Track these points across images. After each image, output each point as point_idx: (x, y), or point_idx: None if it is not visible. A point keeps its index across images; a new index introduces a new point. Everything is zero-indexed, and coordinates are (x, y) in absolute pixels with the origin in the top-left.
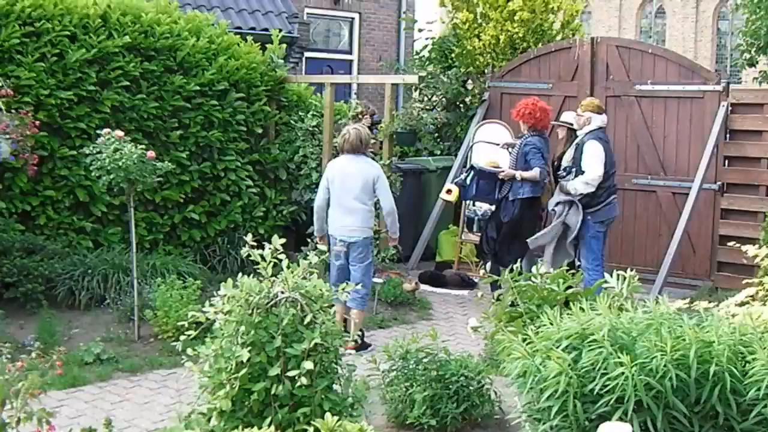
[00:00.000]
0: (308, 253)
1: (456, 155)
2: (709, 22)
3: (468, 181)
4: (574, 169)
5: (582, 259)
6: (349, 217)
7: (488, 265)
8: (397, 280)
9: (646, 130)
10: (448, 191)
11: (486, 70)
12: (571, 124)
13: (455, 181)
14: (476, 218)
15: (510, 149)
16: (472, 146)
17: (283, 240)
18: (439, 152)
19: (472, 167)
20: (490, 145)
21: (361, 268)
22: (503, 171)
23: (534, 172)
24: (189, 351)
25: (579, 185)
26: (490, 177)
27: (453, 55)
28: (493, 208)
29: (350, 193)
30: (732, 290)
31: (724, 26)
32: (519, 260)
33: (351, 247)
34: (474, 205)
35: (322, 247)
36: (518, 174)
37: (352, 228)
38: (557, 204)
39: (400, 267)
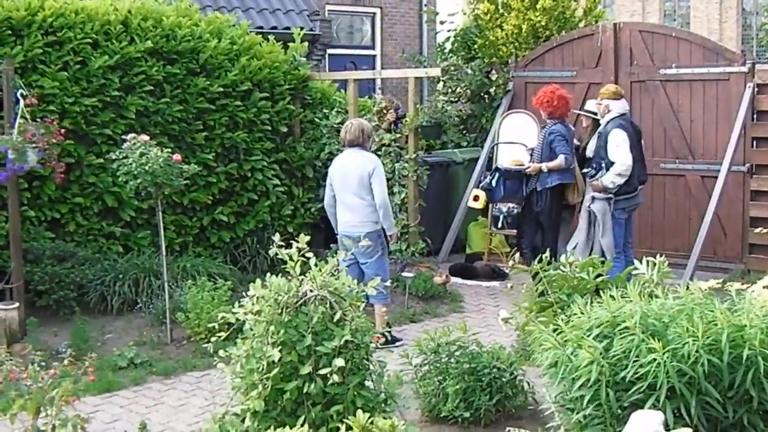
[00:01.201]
0: (337, 250)
1: (482, 146)
2: (733, 2)
3: (494, 184)
4: (603, 163)
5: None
6: (350, 213)
7: (517, 256)
8: (427, 273)
9: (673, 115)
10: (475, 198)
11: (509, 60)
12: (595, 113)
13: (481, 185)
14: (501, 216)
15: (535, 152)
16: (494, 146)
17: (308, 238)
18: (465, 144)
19: (497, 169)
20: (510, 145)
21: (372, 263)
22: (528, 167)
23: (559, 160)
24: (221, 352)
25: (613, 177)
26: (516, 175)
27: (476, 46)
28: (518, 206)
29: (349, 189)
30: (765, 272)
31: (749, 5)
32: (550, 249)
33: (356, 243)
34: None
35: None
36: (544, 166)
37: (354, 224)
38: (593, 202)
39: (430, 260)
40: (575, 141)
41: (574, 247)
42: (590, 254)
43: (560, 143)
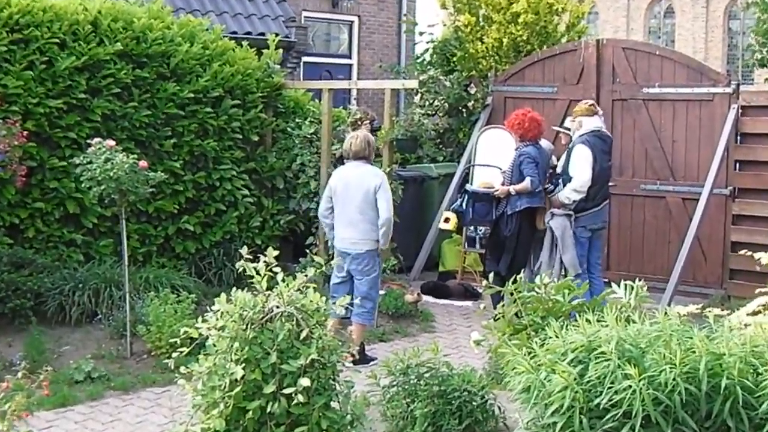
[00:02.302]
0: (306, 265)
1: (459, 161)
2: (719, 21)
3: (464, 206)
4: (561, 180)
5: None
6: (350, 229)
7: (491, 276)
8: (398, 291)
9: (655, 134)
10: (446, 219)
11: (489, 74)
12: (569, 130)
13: (452, 207)
14: (477, 237)
15: (506, 174)
16: (469, 168)
17: (277, 252)
18: (441, 159)
19: (466, 191)
20: (484, 168)
21: (367, 281)
22: (496, 189)
23: (525, 183)
24: (182, 368)
25: (569, 193)
26: (486, 198)
27: (455, 58)
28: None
29: (351, 203)
30: (745, 299)
31: (735, 25)
32: (521, 271)
33: (354, 260)
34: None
35: (318, 259)
36: (512, 189)
37: (354, 241)
38: (552, 218)
39: (401, 278)
40: (554, 160)
41: (539, 266)
42: (562, 273)
43: (528, 165)
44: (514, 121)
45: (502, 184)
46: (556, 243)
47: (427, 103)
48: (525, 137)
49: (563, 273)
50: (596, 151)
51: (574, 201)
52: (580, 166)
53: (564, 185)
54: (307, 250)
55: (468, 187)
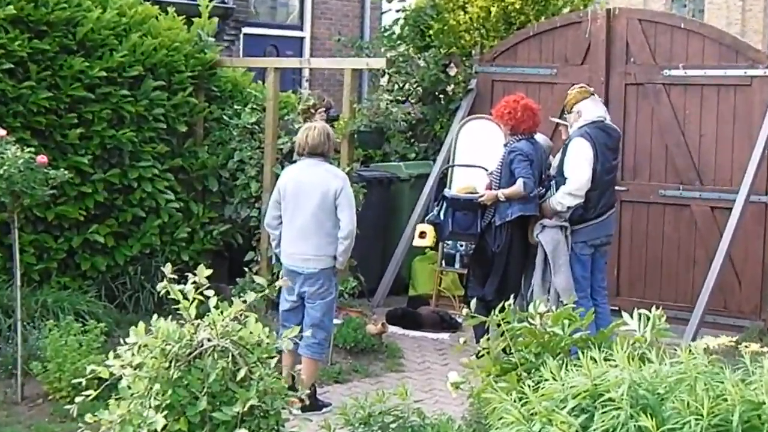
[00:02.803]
0: (244, 287)
1: (434, 160)
2: None
3: (442, 216)
4: (554, 181)
5: None
6: (302, 242)
7: (473, 303)
8: (358, 320)
9: (677, 127)
10: (422, 234)
11: (473, 51)
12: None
13: (428, 218)
14: (458, 253)
15: (493, 176)
16: (448, 169)
17: (209, 272)
18: (413, 156)
19: (443, 197)
20: (466, 168)
21: (320, 306)
22: (481, 195)
23: (517, 186)
24: (88, 416)
25: (563, 197)
26: (468, 206)
27: (431, 31)
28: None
29: (304, 210)
30: None
31: None
32: (512, 297)
33: (306, 281)
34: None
35: (260, 279)
36: (500, 194)
37: (306, 257)
38: (542, 230)
39: (362, 303)
40: (551, 159)
41: (531, 292)
42: (561, 300)
43: (520, 164)
44: (503, 109)
45: (489, 188)
46: (548, 262)
47: (396, 86)
48: (516, 130)
49: (561, 299)
50: (598, 147)
51: (568, 208)
52: (577, 165)
53: (556, 189)
54: (247, 269)
55: (446, 192)
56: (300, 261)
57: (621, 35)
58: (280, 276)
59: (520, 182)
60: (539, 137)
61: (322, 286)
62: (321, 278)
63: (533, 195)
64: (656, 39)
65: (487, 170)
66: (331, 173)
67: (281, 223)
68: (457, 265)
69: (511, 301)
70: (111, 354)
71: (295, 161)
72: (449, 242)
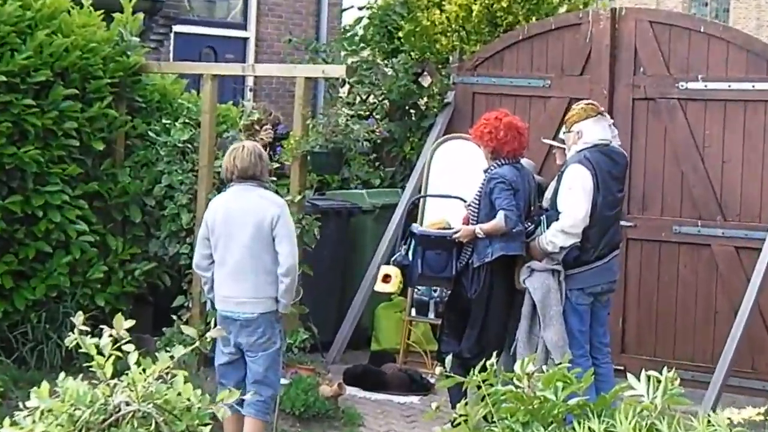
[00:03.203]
0: (172, 339)
1: (403, 188)
2: None
3: (410, 256)
4: (545, 216)
5: None
6: (237, 282)
7: (448, 360)
8: (310, 379)
9: (696, 151)
10: (385, 278)
11: (450, 58)
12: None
13: (394, 259)
14: (431, 300)
15: (471, 208)
16: (419, 200)
17: (131, 322)
18: (378, 183)
19: (411, 234)
20: (441, 199)
21: (263, 358)
22: (456, 230)
23: (497, 220)
24: None
25: (554, 236)
26: (441, 244)
27: (401, 33)
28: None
29: (237, 244)
30: None
31: None
32: (495, 354)
33: (244, 329)
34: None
35: (191, 330)
36: (477, 230)
37: (241, 300)
38: (530, 275)
39: (315, 359)
40: (548, 188)
41: (514, 348)
42: (551, 357)
43: (502, 194)
44: (482, 128)
45: (466, 223)
46: (537, 313)
47: (358, 99)
48: (499, 153)
49: (553, 358)
50: (600, 174)
51: (562, 248)
52: (573, 196)
53: (547, 225)
54: (175, 317)
55: (414, 227)
56: (235, 305)
57: (628, 40)
58: (213, 324)
59: (500, 215)
60: (525, 162)
61: (263, 334)
62: (261, 325)
63: (517, 231)
64: (671, 45)
65: (465, 201)
66: (266, 199)
67: (213, 262)
68: (430, 315)
69: (493, 359)
70: (6, 421)
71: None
72: (420, 287)
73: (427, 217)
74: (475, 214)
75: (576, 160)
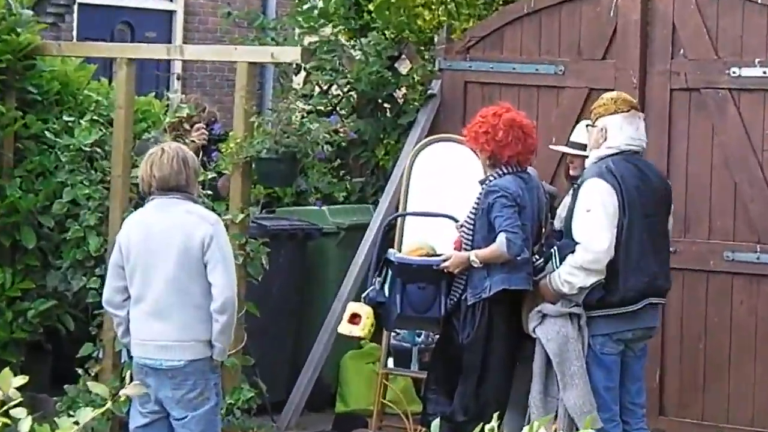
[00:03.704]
0: (76, 399)
1: (375, 204)
2: None
3: (387, 292)
4: (556, 247)
5: None
6: (159, 321)
7: (435, 424)
8: None
9: (753, 156)
10: (353, 318)
11: (436, 37)
12: (584, 149)
13: (366, 295)
14: (415, 347)
15: (464, 230)
16: (397, 220)
17: (25, 378)
18: (343, 197)
19: (387, 262)
20: (424, 219)
21: (194, 421)
22: (445, 258)
23: (496, 245)
24: None
25: (571, 275)
26: (426, 275)
27: (371, 6)
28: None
29: (158, 274)
30: None
31: None
32: (495, 417)
33: (169, 382)
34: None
35: (100, 388)
36: (472, 256)
37: (163, 343)
38: (541, 322)
39: (263, 425)
40: (562, 202)
41: (529, 415)
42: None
43: (503, 211)
44: (478, 127)
45: (458, 248)
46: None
47: (317, 90)
48: (498, 159)
49: (570, 421)
50: (627, 191)
51: (580, 289)
52: (592, 222)
53: (560, 258)
54: (81, 370)
55: (391, 254)
56: (156, 351)
57: (664, 15)
58: (128, 379)
59: (501, 239)
60: (532, 171)
61: (192, 388)
62: (190, 376)
63: (522, 260)
64: (719, 21)
65: (457, 221)
66: (194, 215)
67: (128, 297)
68: (413, 366)
69: (494, 422)
70: None
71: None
72: (400, 331)
73: (405, 240)
74: (469, 238)
75: (595, 173)
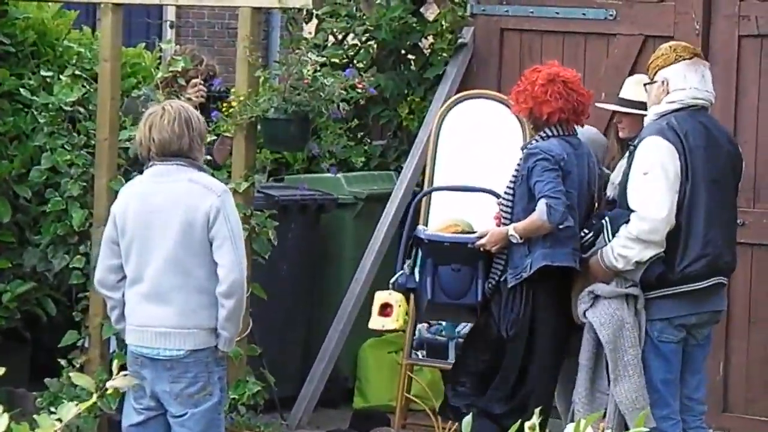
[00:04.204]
0: (59, 394)
1: (399, 170)
2: None
3: (417, 275)
4: (607, 217)
5: None
6: (157, 305)
7: (467, 420)
8: None
9: None
10: (384, 308)
11: None
12: (641, 105)
13: (395, 281)
14: (452, 341)
15: (503, 202)
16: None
17: (1, 371)
18: (361, 164)
19: (416, 241)
20: (457, 193)
21: (195, 419)
22: (480, 234)
23: (536, 213)
24: None
25: (625, 247)
26: (460, 255)
27: None
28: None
29: (157, 251)
30: None
31: None
32: (537, 413)
33: (167, 374)
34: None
35: (85, 381)
36: (511, 230)
37: (162, 330)
38: (592, 304)
39: (271, 422)
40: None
41: (571, 413)
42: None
43: (544, 175)
44: (517, 86)
45: (500, 225)
46: (604, 358)
47: (331, 40)
48: (538, 119)
49: (620, 417)
50: (691, 152)
51: (638, 264)
52: (650, 186)
53: (612, 230)
54: (64, 361)
55: (421, 231)
56: (154, 338)
57: None
58: (116, 370)
59: (541, 205)
60: (587, 131)
61: (194, 381)
62: (192, 368)
63: (567, 232)
64: None
65: (498, 197)
66: (198, 185)
67: (124, 278)
68: (451, 357)
69: (535, 419)
70: None
71: (141, 170)
72: (434, 322)
73: (435, 215)
74: (509, 210)
75: (655, 130)
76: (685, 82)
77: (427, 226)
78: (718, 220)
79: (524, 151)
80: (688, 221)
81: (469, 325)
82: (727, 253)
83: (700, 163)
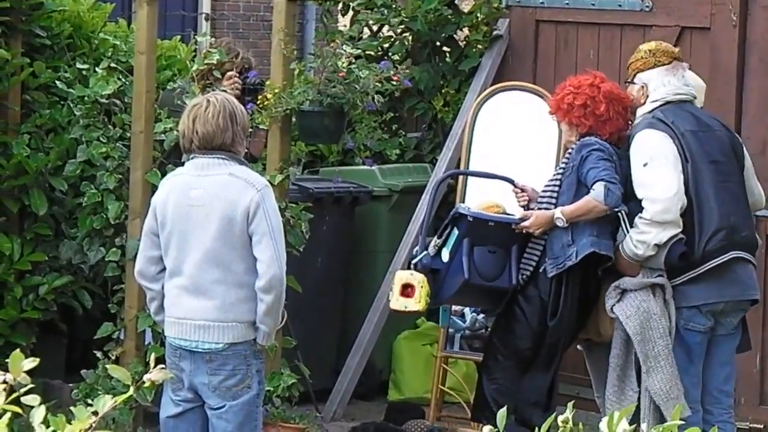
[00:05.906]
0: (95, 386)
1: (434, 162)
2: None
3: (446, 255)
4: (621, 212)
5: None
6: (197, 298)
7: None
8: None
9: None
10: (406, 289)
11: None
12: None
13: (418, 260)
14: (458, 333)
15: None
16: (458, 178)
17: (36, 361)
18: (395, 156)
19: (457, 217)
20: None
21: (234, 411)
22: (525, 216)
23: (592, 195)
24: None
25: (643, 232)
26: (499, 236)
27: None
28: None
29: (196, 245)
30: None
31: None
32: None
33: (206, 366)
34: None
35: (121, 373)
36: (557, 213)
37: (203, 322)
38: (619, 299)
39: (306, 414)
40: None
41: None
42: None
43: (600, 164)
44: (572, 98)
45: (529, 208)
46: (634, 354)
47: (366, 32)
48: (592, 130)
49: (655, 410)
50: (683, 136)
51: (658, 247)
52: (653, 172)
53: (630, 222)
54: (100, 353)
55: (463, 208)
56: (193, 330)
57: None
58: (152, 363)
59: (599, 187)
60: None
61: (232, 374)
62: (230, 361)
63: (617, 210)
64: None
65: (515, 184)
66: (239, 180)
67: (164, 269)
68: (461, 345)
69: (568, 413)
70: None
71: (181, 163)
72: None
73: (470, 196)
74: (553, 200)
75: (644, 125)
76: (663, 86)
77: (464, 200)
78: (727, 196)
79: (577, 144)
80: (698, 199)
81: (473, 318)
82: (743, 227)
83: (695, 146)
